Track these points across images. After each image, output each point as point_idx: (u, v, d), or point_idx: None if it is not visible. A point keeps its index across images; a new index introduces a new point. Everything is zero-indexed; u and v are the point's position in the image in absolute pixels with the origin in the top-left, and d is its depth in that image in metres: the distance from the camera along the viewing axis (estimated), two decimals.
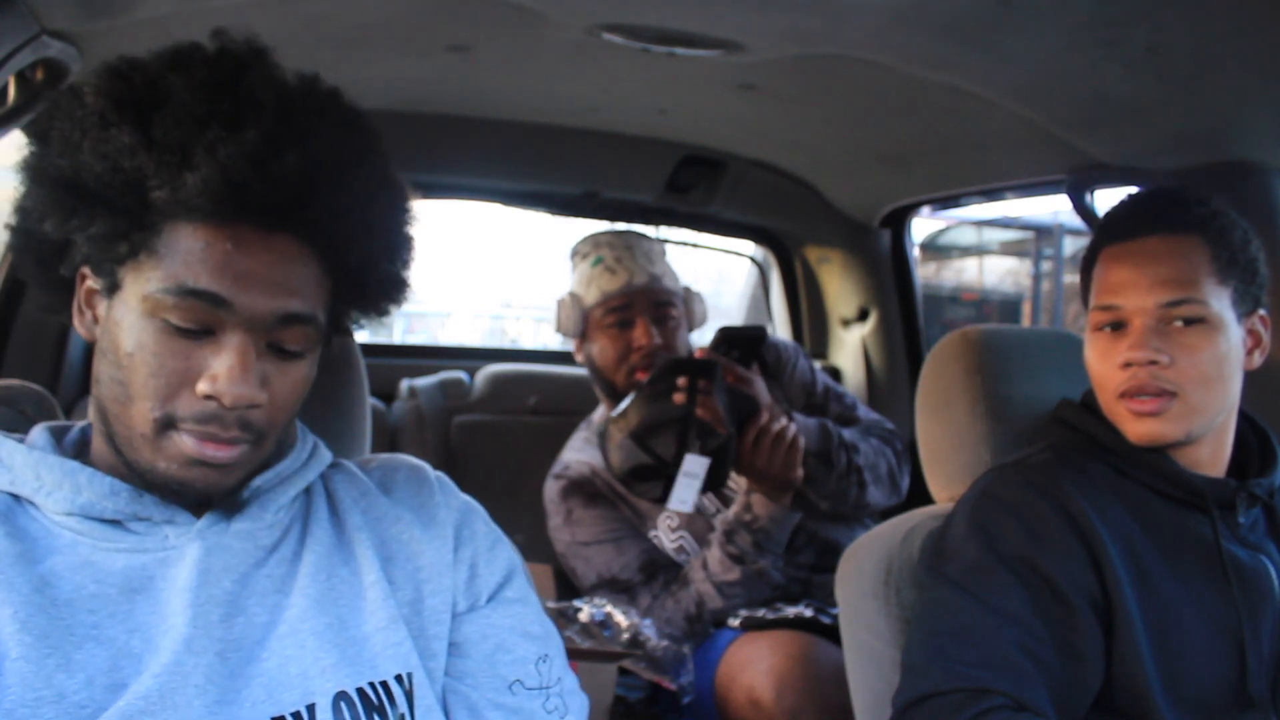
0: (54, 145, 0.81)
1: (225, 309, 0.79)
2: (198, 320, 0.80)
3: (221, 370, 0.80)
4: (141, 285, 0.80)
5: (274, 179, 0.77)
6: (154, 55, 0.82)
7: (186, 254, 0.79)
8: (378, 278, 0.91)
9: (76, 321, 0.87)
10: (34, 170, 0.82)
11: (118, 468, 0.85)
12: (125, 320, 0.81)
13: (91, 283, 0.85)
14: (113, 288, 0.82)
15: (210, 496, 0.85)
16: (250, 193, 0.77)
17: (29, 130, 0.85)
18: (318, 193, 0.80)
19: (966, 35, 1.40)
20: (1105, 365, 1.14)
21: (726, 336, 1.87)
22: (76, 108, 0.80)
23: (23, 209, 0.84)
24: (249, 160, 0.76)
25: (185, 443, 0.81)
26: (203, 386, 0.80)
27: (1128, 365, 1.11)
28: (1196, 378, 1.10)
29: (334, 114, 0.84)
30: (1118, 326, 1.13)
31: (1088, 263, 1.19)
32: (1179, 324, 1.10)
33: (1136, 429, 1.12)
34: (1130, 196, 1.21)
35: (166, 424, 0.81)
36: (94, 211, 0.79)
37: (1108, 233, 1.17)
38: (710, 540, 1.83)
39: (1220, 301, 1.11)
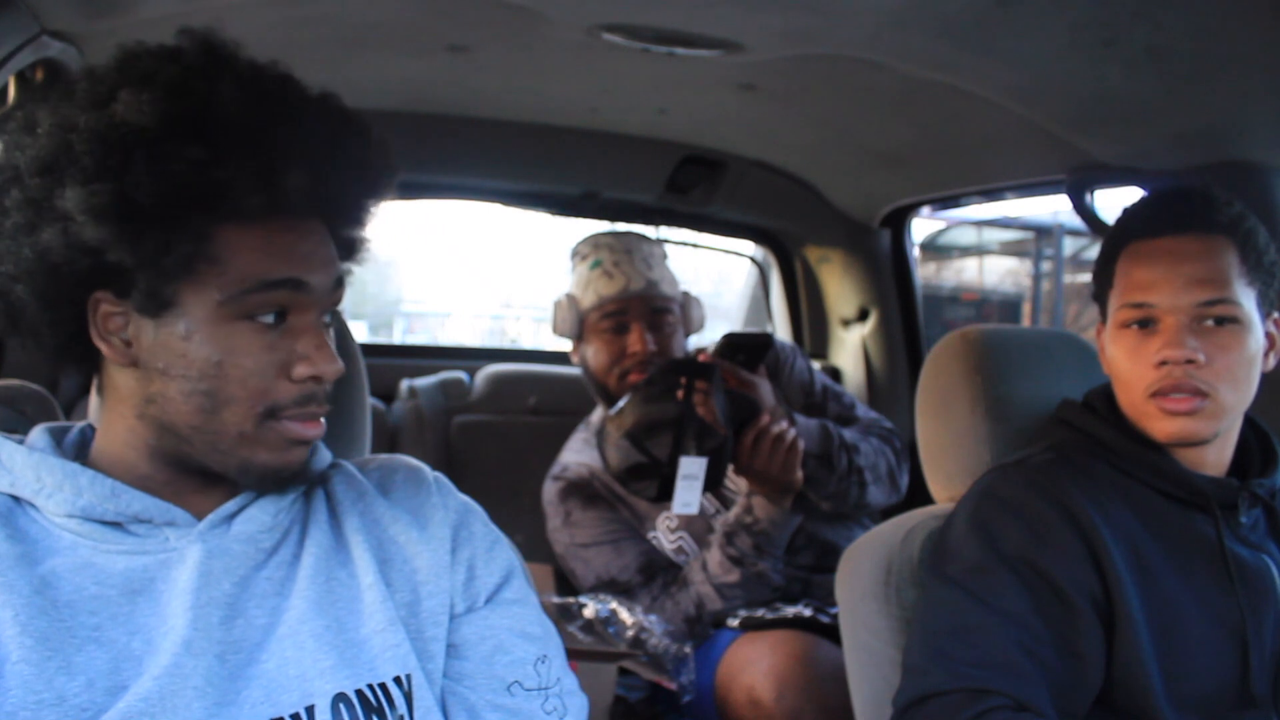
0: (87, 175, 0.77)
1: (303, 291, 0.84)
2: (279, 310, 0.83)
3: (312, 351, 0.84)
4: (209, 293, 0.81)
5: (326, 181, 0.83)
6: (196, 64, 0.82)
7: (252, 251, 0.81)
8: (357, 244, 0.97)
9: (106, 351, 0.83)
10: (95, 208, 0.77)
11: (136, 467, 0.85)
12: (200, 332, 0.81)
13: (110, 308, 0.82)
14: (161, 306, 0.81)
15: (296, 476, 0.88)
16: (304, 193, 0.82)
17: (35, 172, 0.79)
18: (349, 188, 0.88)
19: (965, 35, 1.40)
20: (1135, 363, 1.13)
21: (731, 343, 1.87)
22: (119, 129, 0.77)
23: (62, 247, 0.79)
24: (306, 166, 0.81)
25: (289, 428, 0.84)
26: (304, 370, 0.84)
27: (1163, 364, 1.10)
28: (1228, 378, 1.10)
29: (350, 117, 0.88)
30: (1146, 324, 1.13)
31: (1106, 258, 1.18)
32: (1210, 323, 1.10)
33: (1167, 427, 1.12)
34: (1155, 193, 1.21)
35: (268, 415, 0.83)
36: (149, 232, 0.78)
37: (1133, 229, 1.16)
38: (710, 541, 1.83)
39: (1249, 302, 1.11)
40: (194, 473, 0.87)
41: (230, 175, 0.78)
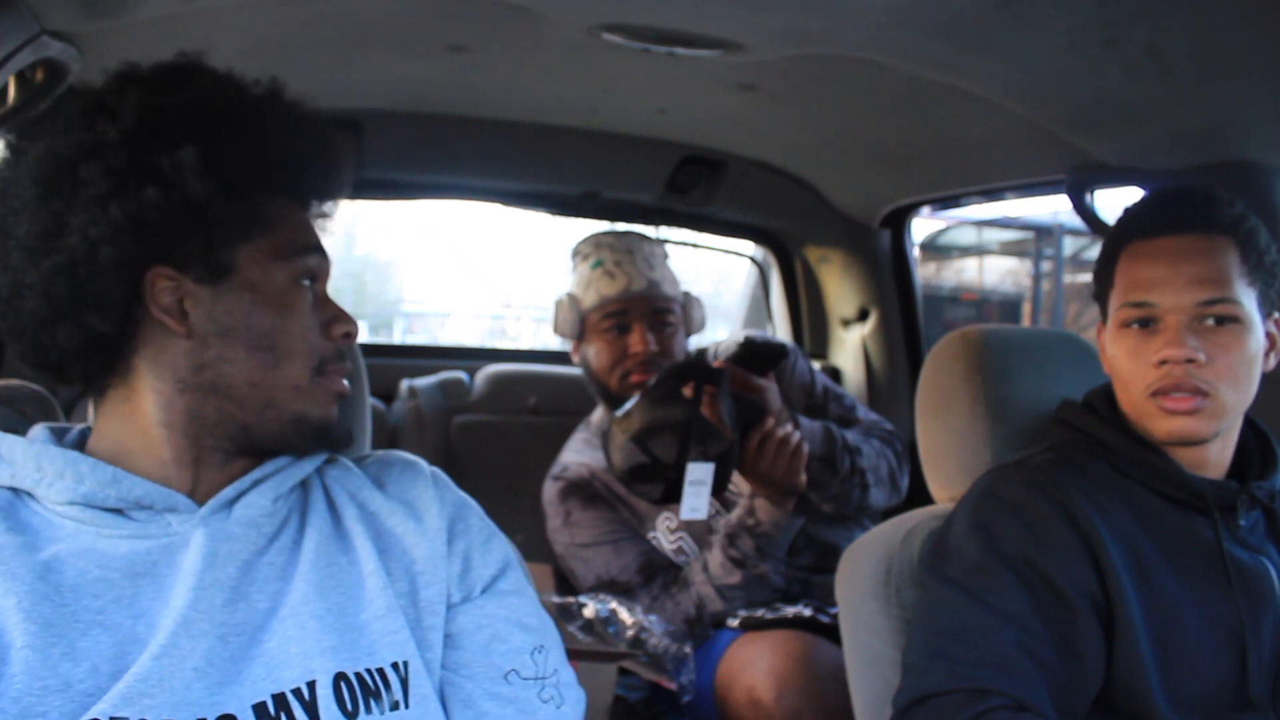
0: (177, 144, 0.84)
1: (324, 258, 0.94)
2: (312, 276, 0.92)
3: (339, 311, 0.94)
4: (264, 257, 0.89)
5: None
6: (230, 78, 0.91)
7: (288, 222, 0.91)
8: None
9: (171, 324, 0.86)
10: (197, 167, 0.84)
11: (153, 450, 0.87)
12: (262, 293, 0.88)
13: (166, 282, 0.86)
14: (221, 273, 0.87)
15: (334, 429, 0.95)
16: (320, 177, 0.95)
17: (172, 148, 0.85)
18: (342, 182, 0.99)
19: (966, 35, 1.40)
20: (1135, 362, 1.13)
21: (751, 350, 1.87)
22: (205, 107, 0.86)
23: (164, 204, 0.84)
24: (331, 154, 0.94)
25: (334, 383, 0.93)
26: (340, 328, 0.94)
27: (1163, 363, 1.10)
28: (1229, 377, 1.10)
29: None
30: (1146, 324, 1.13)
31: (1107, 258, 1.18)
32: (1210, 323, 1.10)
33: (1167, 426, 1.12)
34: (1156, 193, 1.21)
35: (318, 370, 0.92)
36: (239, 192, 0.86)
37: (1133, 229, 1.16)
38: (710, 542, 1.83)
39: (1250, 302, 1.11)
40: (218, 448, 0.89)
41: (301, 153, 0.90)
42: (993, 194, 2.27)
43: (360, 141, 2.01)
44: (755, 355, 1.86)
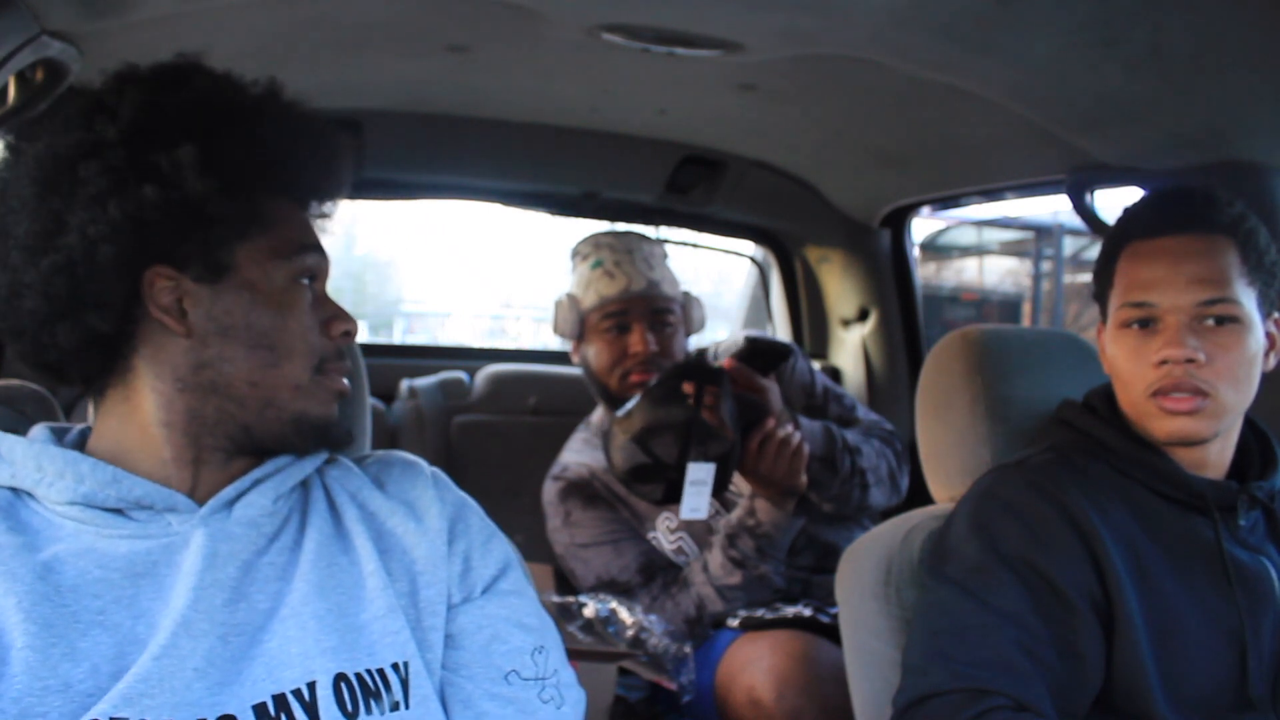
0: (176, 142, 0.84)
1: (323, 258, 0.94)
2: (311, 275, 0.93)
3: (338, 310, 0.95)
4: (262, 257, 0.89)
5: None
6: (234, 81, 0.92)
7: (288, 221, 0.92)
8: None
9: (170, 323, 0.86)
10: (197, 164, 0.84)
11: (153, 449, 0.87)
12: (261, 292, 0.89)
13: (165, 282, 0.86)
14: (220, 272, 0.87)
15: (335, 428, 0.95)
16: (319, 177, 0.95)
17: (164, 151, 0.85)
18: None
19: (966, 35, 1.40)
20: (1135, 363, 1.13)
21: (755, 348, 1.87)
22: (205, 106, 0.87)
23: (162, 202, 0.84)
24: (330, 154, 0.94)
25: (334, 381, 0.94)
26: (339, 326, 0.94)
27: (1163, 363, 1.10)
28: (1229, 377, 1.10)
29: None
30: (1146, 324, 1.13)
31: (1107, 258, 1.18)
32: (1210, 323, 1.10)
33: (1167, 426, 1.12)
34: (1156, 193, 1.21)
35: (318, 369, 0.92)
36: (237, 190, 0.86)
37: (1134, 229, 1.16)
38: (710, 542, 1.83)
39: (1250, 302, 1.11)
40: (218, 448, 0.89)
41: (300, 153, 0.91)
42: (993, 194, 2.26)
43: (360, 141, 2.02)
44: (758, 355, 1.86)
